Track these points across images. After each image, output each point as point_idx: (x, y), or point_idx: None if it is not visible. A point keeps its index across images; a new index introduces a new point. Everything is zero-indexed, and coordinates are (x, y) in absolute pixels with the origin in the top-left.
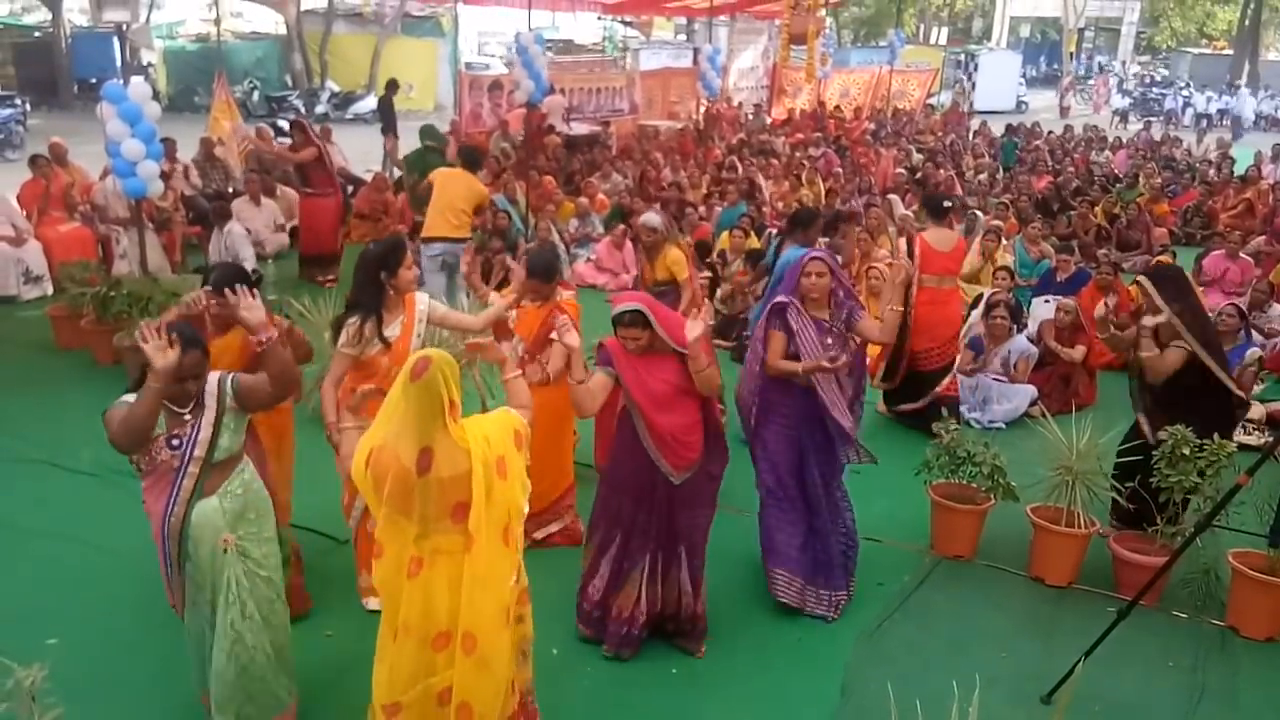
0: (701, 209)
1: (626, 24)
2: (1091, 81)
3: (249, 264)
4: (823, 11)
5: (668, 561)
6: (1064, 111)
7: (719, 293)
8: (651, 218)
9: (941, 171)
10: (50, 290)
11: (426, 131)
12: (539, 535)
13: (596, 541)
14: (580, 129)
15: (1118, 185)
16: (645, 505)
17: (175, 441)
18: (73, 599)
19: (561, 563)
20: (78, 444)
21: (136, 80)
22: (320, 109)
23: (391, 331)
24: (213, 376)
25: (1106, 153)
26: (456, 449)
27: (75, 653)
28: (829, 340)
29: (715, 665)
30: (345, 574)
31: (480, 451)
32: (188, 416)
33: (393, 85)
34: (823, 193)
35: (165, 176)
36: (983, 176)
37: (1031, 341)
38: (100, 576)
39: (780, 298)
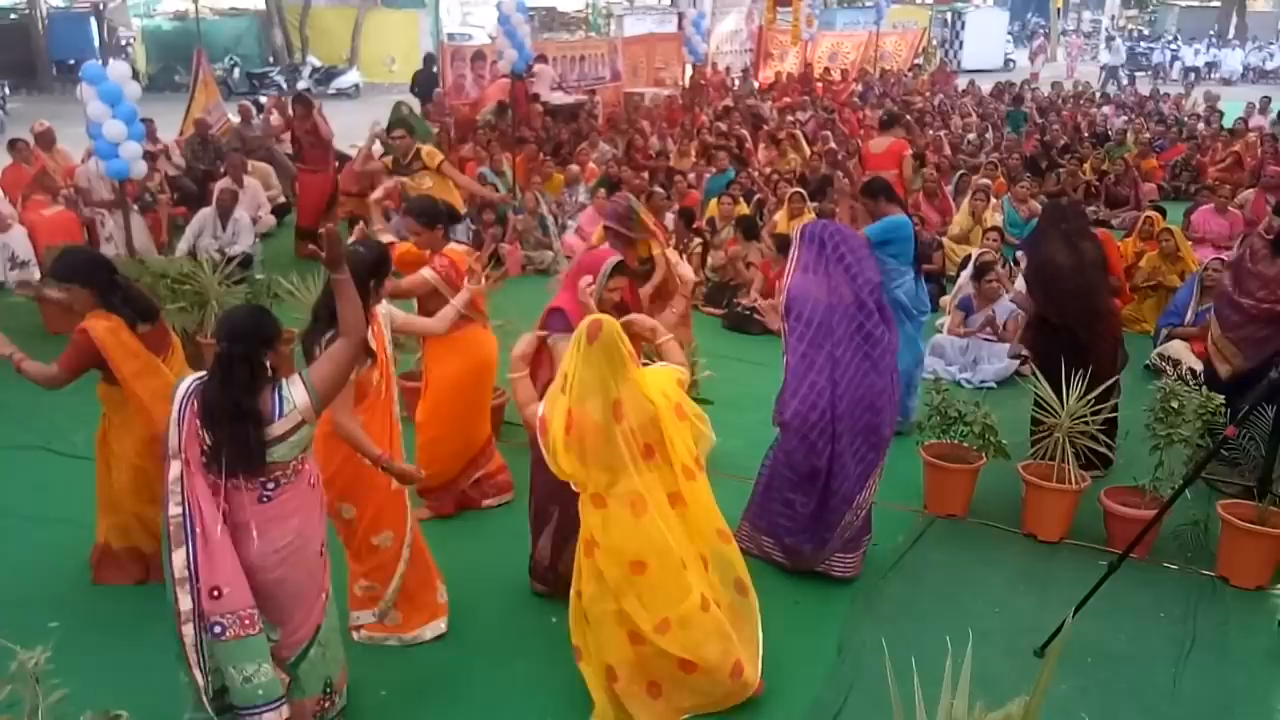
0: (691, 176)
1: None
2: (1067, 40)
3: (247, 249)
4: None
5: None
6: (1034, 77)
7: (710, 261)
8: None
9: (929, 132)
10: (37, 275)
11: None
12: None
13: (534, 511)
14: (561, 98)
15: (1107, 142)
16: None
17: None
18: (72, 582)
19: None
20: (72, 428)
21: (116, 61)
22: (302, 84)
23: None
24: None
25: (1106, 109)
26: (642, 396)
27: (76, 635)
28: None
29: None
30: None
31: (661, 401)
32: None
33: (430, 59)
34: (808, 156)
35: (151, 158)
36: (971, 136)
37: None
38: None
39: None
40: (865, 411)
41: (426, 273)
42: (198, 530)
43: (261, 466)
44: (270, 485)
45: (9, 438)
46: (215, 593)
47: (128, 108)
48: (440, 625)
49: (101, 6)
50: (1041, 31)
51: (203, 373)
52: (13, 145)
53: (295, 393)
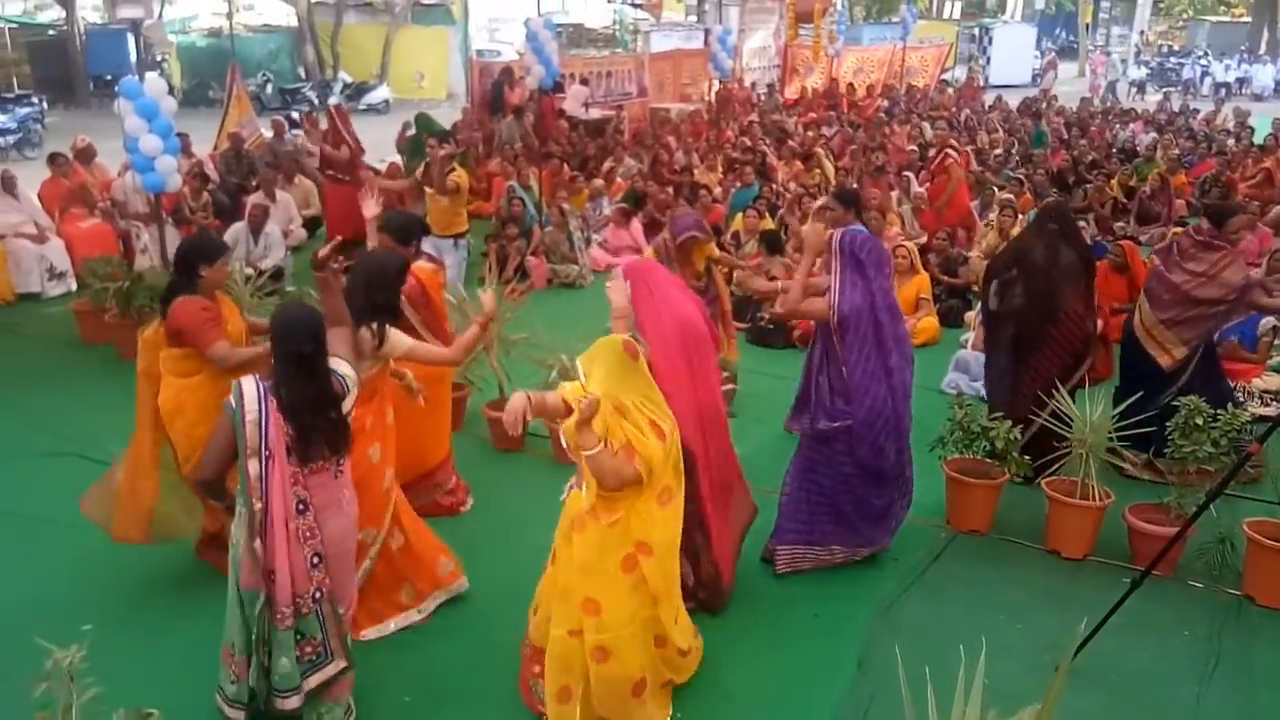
0: (717, 191)
1: (636, 6)
2: (1091, 58)
3: (279, 262)
4: None
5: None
6: (1044, 94)
7: (735, 275)
8: (687, 220)
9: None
10: (74, 286)
11: (422, 120)
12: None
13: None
14: (592, 114)
15: (1135, 159)
16: None
17: None
18: (105, 586)
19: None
20: (106, 436)
21: (152, 76)
22: (333, 100)
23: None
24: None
25: (1132, 126)
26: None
27: (108, 637)
28: None
29: (734, 637)
30: None
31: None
32: None
33: (506, 72)
34: (832, 172)
35: (206, 179)
36: (998, 151)
37: None
38: (131, 565)
39: None
40: (909, 408)
41: None
42: (271, 524)
43: (350, 443)
44: (343, 461)
45: (45, 445)
46: (271, 577)
47: (164, 122)
48: (388, 627)
49: (139, 23)
50: (1051, 49)
51: (256, 375)
52: (53, 159)
53: (344, 369)
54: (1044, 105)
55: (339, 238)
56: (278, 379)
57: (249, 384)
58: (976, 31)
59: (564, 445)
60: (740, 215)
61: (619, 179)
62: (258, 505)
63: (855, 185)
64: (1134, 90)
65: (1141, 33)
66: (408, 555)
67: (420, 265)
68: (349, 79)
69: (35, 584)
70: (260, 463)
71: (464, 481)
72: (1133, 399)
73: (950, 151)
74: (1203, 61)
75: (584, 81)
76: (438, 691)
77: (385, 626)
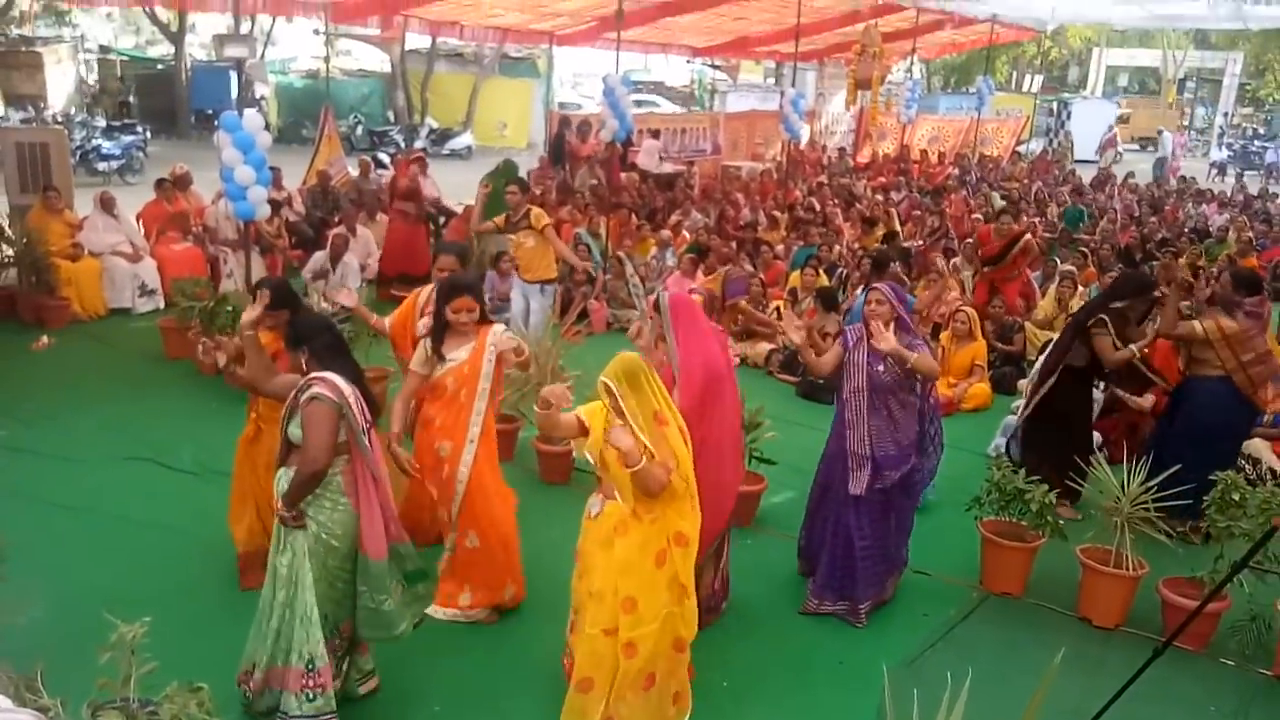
0: (779, 248)
1: (715, 67)
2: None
3: (353, 296)
4: (910, 59)
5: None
6: (1104, 171)
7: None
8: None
9: (1024, 218)
10: (162, 304)
11: (508, 168)
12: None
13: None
14: (664, 168)
15: (1207, 239)
16: None
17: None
18: (169, 583)
19: None
20: (181, 445)
21: (250, 112)
22: (419, 144)
23: (456, 355)
24: (299, 378)
25: (1205, 207)
26: None
27: (168, 625)
28: (880, 367)
29: (758, 677)
30: None
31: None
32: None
33: (566, 123)
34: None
35: (277, 205)
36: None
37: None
38: (196, 563)
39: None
40: None
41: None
42: (382, 482)
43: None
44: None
45: (124, 450)
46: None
47: (258, 156)
48: (438, 613)
49: (242, 63)
50: (1111, 129)
51: (326, 373)
52: (159, 185)
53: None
54: (1116, 182)
55: (265, 300)
56: (330, 365)
57: (331, 377)
58: (1055, 106)
59: (593, 462)
60: (798, 272)
61: (684, 232)
62: (378, 471)
63: (918, 249)
64: (1214, 172)
65: (1226, 114)
66: (474, 561)
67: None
68: (435, 124)
69: (106, 575)
70: (366, 435)
71: None
72: (1173, 469)
73: (1031, 237)
74: None
75: (655, 135)
76: (468, 703)
77: (436, 612)
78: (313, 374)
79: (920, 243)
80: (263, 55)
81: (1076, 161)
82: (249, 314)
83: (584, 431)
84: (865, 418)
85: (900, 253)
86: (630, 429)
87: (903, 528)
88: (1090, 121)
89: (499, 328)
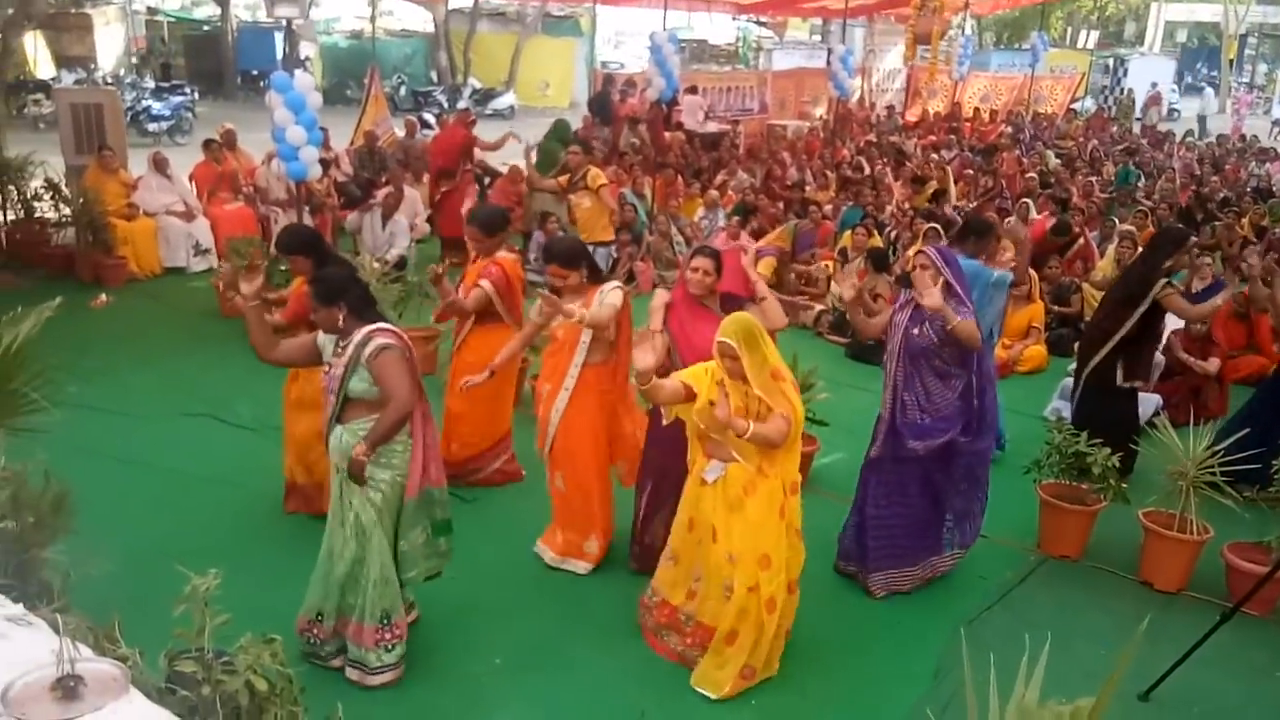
0: (827, 208)
1: (760, 24)
2: (1236, 96)
3: (403, 251)
4: (962, 15)
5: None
6: (1147, 131)
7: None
8: None
9: (1079, 177)
10: (216, 263)
11: (562, 127)
12: (482, 474)
13: (648, 493)
14: (709, 127)
15: (1271, 199)
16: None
17: (328, 370)
18: (233, 535)
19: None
20: (238, 400)
21: (301, 73)
22: (462, 104)
23: (569, 309)
24: (361, 332)
25: (1267, 165)
26: None
27: (234, 581)
28: (915, 330)
29: (813, 640)
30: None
31: None
32: (337, 353)
33: (610, 82)
34: (954, 195)
35: (326, 165)
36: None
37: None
38: (254, 517)
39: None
40: None
41: (485, 285)
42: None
43: None
44: None
45: (181, 406)
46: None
47: (309, 116)
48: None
49: (289, 22)
50: (1154, 86)
51: (378, 324)
52: (208, 145)
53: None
54: (1175, 140)
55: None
56: (370, 317)
57: (386, 325)
58: (1111, 62)
59: (702, 429)
60: (849, 232)
61: (730, 192)
62: (428, 410)
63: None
64: (1276, 130)
65: None
66: (563, 503)
67: (502, 254)
68: (478, 84)
69: (167, 528)
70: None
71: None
72: (1240, 434)
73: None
74: None
75: (692, 90)
76: (528, 655)
77: (544, 551)
78: (367, 327)
79: (973, 203)
80: (308, 16)
81: (1136, 120)
82: (248, 285)
83: (690, 397)
84: (896, 381)
85: (981, 224)
86: (726, 400)
87: (948, 508)
88: (1148, 79)
89: (607, 286)
